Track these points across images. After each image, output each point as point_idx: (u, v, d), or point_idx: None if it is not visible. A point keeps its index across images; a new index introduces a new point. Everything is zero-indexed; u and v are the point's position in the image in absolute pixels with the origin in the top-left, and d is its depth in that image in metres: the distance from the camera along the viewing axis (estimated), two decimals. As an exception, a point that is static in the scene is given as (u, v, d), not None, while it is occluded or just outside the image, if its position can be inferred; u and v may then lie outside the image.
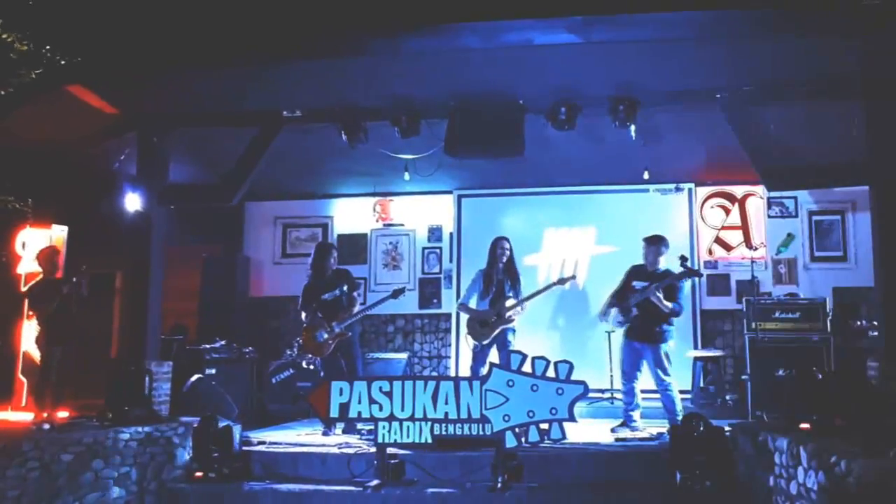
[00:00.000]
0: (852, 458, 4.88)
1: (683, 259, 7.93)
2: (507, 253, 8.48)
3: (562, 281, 8.59)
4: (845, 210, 10.51)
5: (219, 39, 7.53)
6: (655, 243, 8.09)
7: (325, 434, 8.19)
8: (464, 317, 8.86)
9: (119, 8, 7.53)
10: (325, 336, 8.30)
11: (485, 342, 8.27)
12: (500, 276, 8.41)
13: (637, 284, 7.98)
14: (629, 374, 8.03)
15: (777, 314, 8.95)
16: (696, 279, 9.12)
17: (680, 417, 7.67)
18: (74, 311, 7.99)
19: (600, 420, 8.83)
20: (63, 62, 10.29)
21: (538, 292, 8.44)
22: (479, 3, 6.95)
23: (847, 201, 10.42)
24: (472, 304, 8.54)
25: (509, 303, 8.26)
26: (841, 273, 10.37)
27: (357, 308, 8.57)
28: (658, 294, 7.73)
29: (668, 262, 8.09)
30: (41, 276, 8.29)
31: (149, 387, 7.98)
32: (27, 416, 8.16)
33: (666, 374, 7.78)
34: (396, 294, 8.56)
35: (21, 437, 6.67)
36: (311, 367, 9.68)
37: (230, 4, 7.39)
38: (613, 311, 8.07)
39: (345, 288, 8.48)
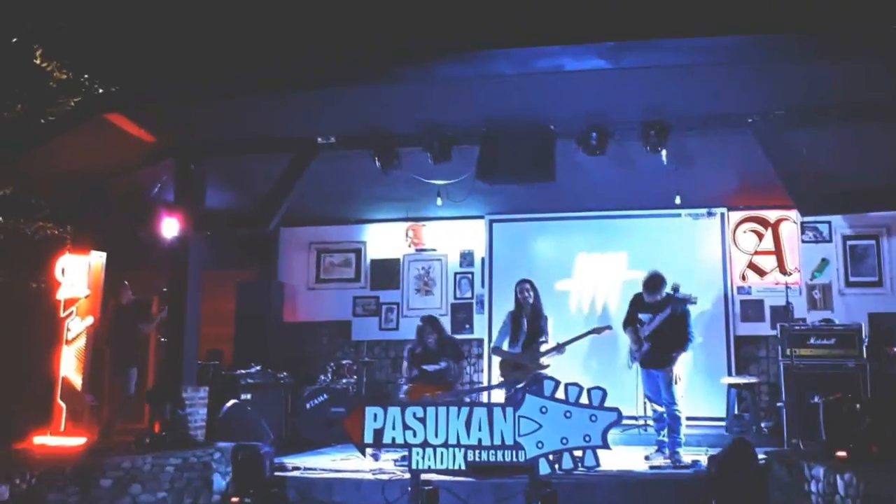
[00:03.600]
0: (890, 486, 4.84)
1: (675, 289, 8.16)
2: (529, 295, 8.44)
3: (598, 330, 8.56)
4: (880, 235, 10.37)
5: (255, 67, 7.66)
6: (650, 284, 8.28)
7: (374, 458, 8.14)
8: (496, 358, 8.87)
9: (156, 37, 7.70)
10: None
11: (518, 386, 8.23)
12: (528, 318, 8.41)
13: (643, 317, 8.21)
14: (654, 399, 8.26)
15: (812, 340, 8.89)
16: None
17: (682, 439, 7.94)
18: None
19: (634, 447, 8.77)
20: (101, 90, 10.51)
21: (573, 340, 8.37)
22: (512, 31, 7.05)
23: (882, 226, 10.30)
24: (505, 347, 8.54)
25: (544, 348, 8.25)
26: (876, 298, 10.22)
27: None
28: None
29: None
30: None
31: (185, 412, 8.08)
32: (67, 441, 8.27)
33: (673, 395, 7.96)
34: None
35: (62, 462, 6.75)
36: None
37: (266, 33, 7.53)
38: (632, 346, 8.31)
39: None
